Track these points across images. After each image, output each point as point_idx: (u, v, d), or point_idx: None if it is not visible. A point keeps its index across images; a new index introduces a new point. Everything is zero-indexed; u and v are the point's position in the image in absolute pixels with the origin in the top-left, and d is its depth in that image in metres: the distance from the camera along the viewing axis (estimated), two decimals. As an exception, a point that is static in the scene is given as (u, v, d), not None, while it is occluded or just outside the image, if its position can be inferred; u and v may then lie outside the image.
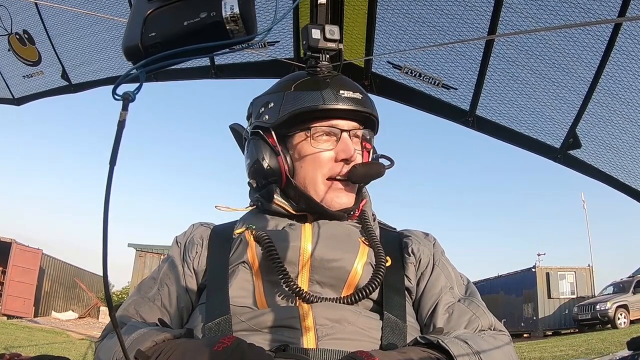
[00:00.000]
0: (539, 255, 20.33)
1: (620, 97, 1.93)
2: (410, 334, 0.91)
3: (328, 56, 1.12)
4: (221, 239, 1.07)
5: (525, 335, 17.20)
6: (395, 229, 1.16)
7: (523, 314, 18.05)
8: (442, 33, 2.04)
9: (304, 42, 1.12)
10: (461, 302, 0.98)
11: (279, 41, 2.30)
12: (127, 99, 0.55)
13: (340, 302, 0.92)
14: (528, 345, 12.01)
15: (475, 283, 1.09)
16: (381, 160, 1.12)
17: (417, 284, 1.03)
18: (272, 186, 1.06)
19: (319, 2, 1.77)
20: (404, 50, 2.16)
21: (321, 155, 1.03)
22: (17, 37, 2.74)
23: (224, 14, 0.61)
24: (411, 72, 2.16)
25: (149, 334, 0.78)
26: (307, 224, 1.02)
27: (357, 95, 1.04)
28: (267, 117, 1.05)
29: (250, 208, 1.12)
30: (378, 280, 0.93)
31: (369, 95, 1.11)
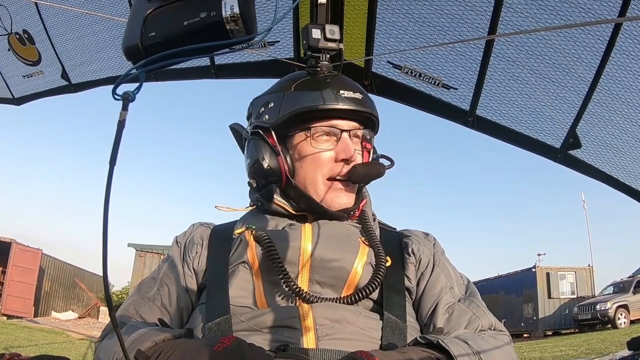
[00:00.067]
0: (539, 255, 20.35)
1: (620, 97, 1.93)
2: (410, 334, 0.91)
3: (328, 56, 1.12)
4: (221, 239, 1.07)
5: (525, 335, 17.21)
6: (395, 229, 1.16)
7: (523, 314, 18.05)
8: (442, 33, 2.04)
9: (304, 42, 1.12)
10: (461, 302, 0.98)
11: (279, 41, 2.29)
12: (127, 98, 0.55)
13: (340, 302, 0.92)
14: (528, 345, 12.01)
15: (475, 283, 1.09)
16: (381, 160, 1.12)
17: (417, 284, 1.03)
18: (272, 186, 1.06)
19: (319, 2, 1.77)
20: (404, 50, 2.16)
21: (321, 156, 1.03)
22: (17, 36, 2.74)
23: (224, 14, 0.61)
24: (411, 72, 2.16)
25: (149, 334, 0.78)
26: (307, 224, 1.02)
27: (357, 95, 1.04)
28: (267, 117, 1.05)
29: (250, 208, 1.12)
30: (378, 280, 0.93)
31: (369, 95, 1.11)
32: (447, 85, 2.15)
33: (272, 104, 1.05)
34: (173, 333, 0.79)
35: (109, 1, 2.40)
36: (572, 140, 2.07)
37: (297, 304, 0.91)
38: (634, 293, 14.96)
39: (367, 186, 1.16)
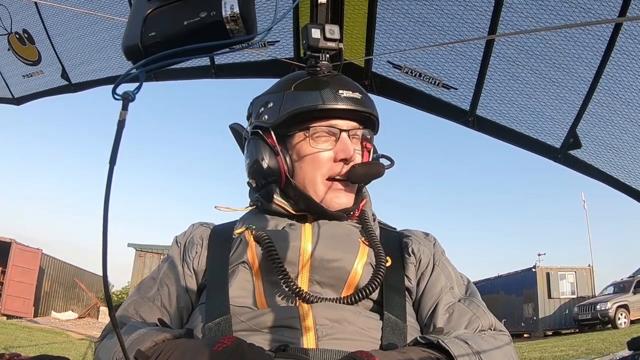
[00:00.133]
0: (539, 255, 20.34)
1: (620, 97, 1.93)
2: (410, 334, 0.91)
3: (328, 56, 1.12)
4: (221, 239, 1.07)
5: (525, 335, 17.21)
6: (395, 229, 1.16)
7: (523, 314, 18.05)
8: (443, 33, 2.03)
9: (304, 42, 1.11)
10: (461, 302, 0.98)
11: (279, 41, 2.29)
12: (127, 98, 0.55)
13: (340, 302, 0.92)
14: (528, 345, 12.01)
15: (475, 283, 1.09)
16: (381, 160, 1.11)
17: (417, 284, 1.03)
18: (272, 186, 1.06)
19: (319, 1, 1.76)
20: (404, 50, 2.16)
21: (320, 155, 1.03)
22: (17, 36, 2.74)
23: (224, 14, 0.61)
24: (411, 72, 2.16)
25: (149, 334, 0.78)
26: (307, 224, 1.02)
27: (357, 95, 1.04)
28: (266, 117, 1.05)
29: (250, 208, 1.12)
30: (378, 280, 0.92)
31: (369, 95, 1.11)
32: (447, 85, 2.15)
33: (272, 104, 1.05)
34: (173, 333, 0.79)
35: (108, 1, 2.40)
36: (572, 140, 2.07)
37: (297, 304, 0.91)
38: (634, 293, 14.96)
39: (367, 186, 1.16)
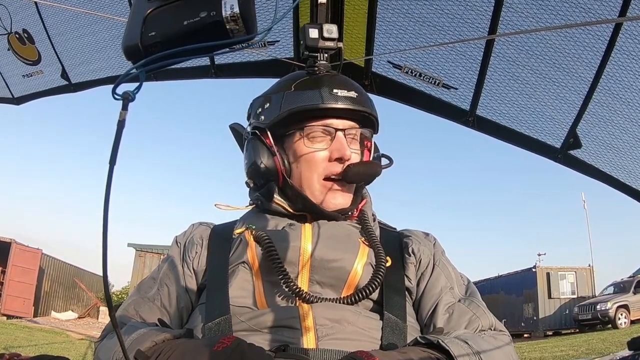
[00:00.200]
0: (539, 255, 20.34)
1: (620, 97, 1.93)
2: (411, 334, 0.91)
3: (327, 55, 1.12)
4: (221, 239, 1.07)
5: (525, 335, 17.21)
6: (395, 229, 1.16)
7: (523, 314, 18.05)
8: (443, 33, 2.03)
9: (302, 42, 1.12)
10: (461, 302, 0.98)
11: (279, 40, 2.29)
12: (127, 98, 0.55)
13: (340, 302, 0.92)
14: (528, 345, 12.01)
15: (475, 283, 1.09)
16: (382, 160, 1.11)
17: (417, 284, 1.02)
18: (272, 184, 1.06)
19: (319, 1, 1.76)
20: (404, 50, 2.16)
21: (316, 155, 1.02)
22: (17, 36, 2.74)
23: (224, 14, 0.61)
24: (411, 72, 2.16)
25: (149, 334, 0.78)
26: (307, 224, 1.02)
27: (352, 94, 1.03)
28: (263, 117, 1.05)
29: (250, 207, 1.12)
30: (378, 280, 0.92)
31: (369, 94, 1.11)
32: (447, 85, 2.15)
33: (268, 105, 1.05)
34: (173, 333, 0.79)
35: (108, 1, 2.40)
36: (573, 140, 2.07)
37: (297, 304, 0.91)
38: (635, 293, 14.96)
39: (367, 186, 1.16)
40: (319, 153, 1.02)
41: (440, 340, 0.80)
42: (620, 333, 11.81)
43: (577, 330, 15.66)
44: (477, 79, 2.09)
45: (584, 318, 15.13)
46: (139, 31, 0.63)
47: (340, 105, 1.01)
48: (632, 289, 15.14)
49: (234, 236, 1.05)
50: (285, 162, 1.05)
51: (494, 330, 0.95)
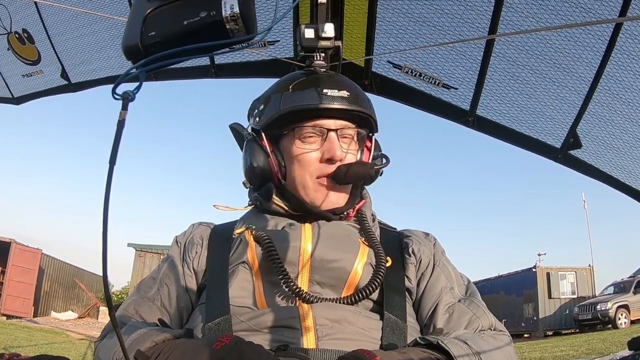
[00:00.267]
0: (539, 255, 20.35)
1: (621, 97, 1.93)
2: (411, 334, 0.91)
3: (323, 55, 1.12)
4: (221, 239, 1.07)
5: (525, 335, 17.21)
6: (395, 228, 1.16)
7: (524, 314, 18.05)
8: (443, 33, 2.03)
9: (298, 43, 1.12)
10: (461, 303, 0.98)
11: (279, 40, 2.29)
12: (127, 98, 0.55)
13: (340, 303, 0.92)
14: (529, 345, 12.01)
15: (475, 283, 1.09)
16: (378, 160, 1.10)
17: (418, 284, 1.02)
18: (270, 185, 1.06)
19: (318, 1, 1.76)
20: (404, 50, 2.16)
21: (308, 156, 1.02)
22: (17, 36, 2.74)
23: (224, 13, 0.61)
24: (411, 72, 2.16)
25: (149, 334, 0.78)
26: (307, 224, 1.02)
27: (343, 94, 1.02)
28: (257, 119, 1.06)
29: (249, 208, 1.12)
30: (378, 280, 0.92)
31: (368, 94, 1.10)
32: (447, 85, 2.15)
33: (263, 106, 1.06)
34: (173, 333, 0.79)
35: (108, 0, 2.40)
36: (573, 140, 2.07)
37: (297, 304, 0.91)
38: (635, 293, 14.96)
39: (367, 186, 1.15)
40: (311, 154, 1.02)
41: (439, 341, 0.80)
42: (620, 333, 11.82)
43: (577, 330, 15.67)
44: (477, 79, 2.09)
45: (584, 318, 15.14)
46: (138, 31, 0.63)
47: (330, 105, 1.00)
48: (632, 289, 15.14)
49: (234, 236, 1.05)
50: (281, 163, 1.05)
51: (494, 330, 0.95)
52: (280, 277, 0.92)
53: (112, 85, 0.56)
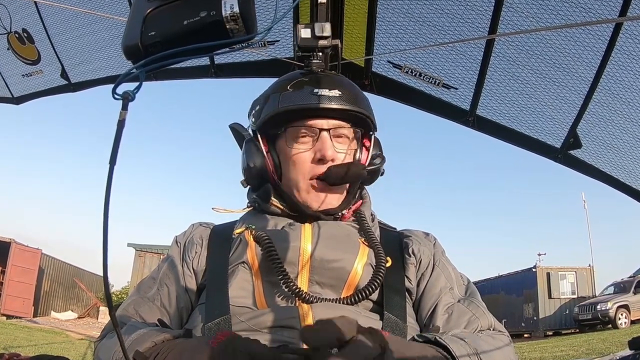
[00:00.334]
0: (539, 255, 20.35)
1: (621, 97, 1.93)
2: (410, 335, 0.91)
3: (321, 54, 1.11)
4: (221, 239, 1.06)
5: (525, 335, 17.20)
6: (395, 229, 1.16)
7: (524, 314, 18.04)
8: (443, 32, 2.03)
9: (295, 42, 1.12)
10: (461, 303, 0.98)
11: (278, 40, 2.29)
12: (127, 98, 0.55)
13: (340, 303, 0.91)
14: (529, 345, 12.01)
15: (475, 283, 1.09)
16: (375, 160, 1.10)
17: (417, 285, 1.02)
18: (268, 186, 1.06)
19: (318, 1, 1.76)
20: (404, 50, 2.16)
21: (300, 156, 1.02)
22: (17, 35, 2.74)
23: (223, 13, 0.61)
24: (411, 72, 2.16)
25: (149, 334, 0.78)
26: (307, 224, 1.02)
27: (335, 93, 1.01)
28: (253, 119, 1.07)
29: (248, 209, 1.12)
30: (378, 280, 0.92)
31: (367, 94, 1.10)
32: (447, 85, 2.15)
33: (259, 106, 1.07)
34: (172, 333, 0.79)
35: (108, 0, 2.40)
36: (573, 140, 2.07)
37: (297, 305, 0.91)
38: (635, 293, 14.95)
39: (367, 186, 1.15)
40: (304, 154, 1.02)
41: (437, 337, 0.80)
42: (620, 333, 11.81)
43: (578, 330, 15.66)
44: (477, 79, 2.09)
45: (584, 318, 15.13)
46: (138, 31, 0.63)
47: (322, 104, 1.00)
48: (632, 289, 15.13)
49: (233, 236, 1.04)
50: (277, 163, 1.05)
51: (493, 330, 0.95)
52: (280, 277, 0.92)
53: (112, 85, 0.56)
